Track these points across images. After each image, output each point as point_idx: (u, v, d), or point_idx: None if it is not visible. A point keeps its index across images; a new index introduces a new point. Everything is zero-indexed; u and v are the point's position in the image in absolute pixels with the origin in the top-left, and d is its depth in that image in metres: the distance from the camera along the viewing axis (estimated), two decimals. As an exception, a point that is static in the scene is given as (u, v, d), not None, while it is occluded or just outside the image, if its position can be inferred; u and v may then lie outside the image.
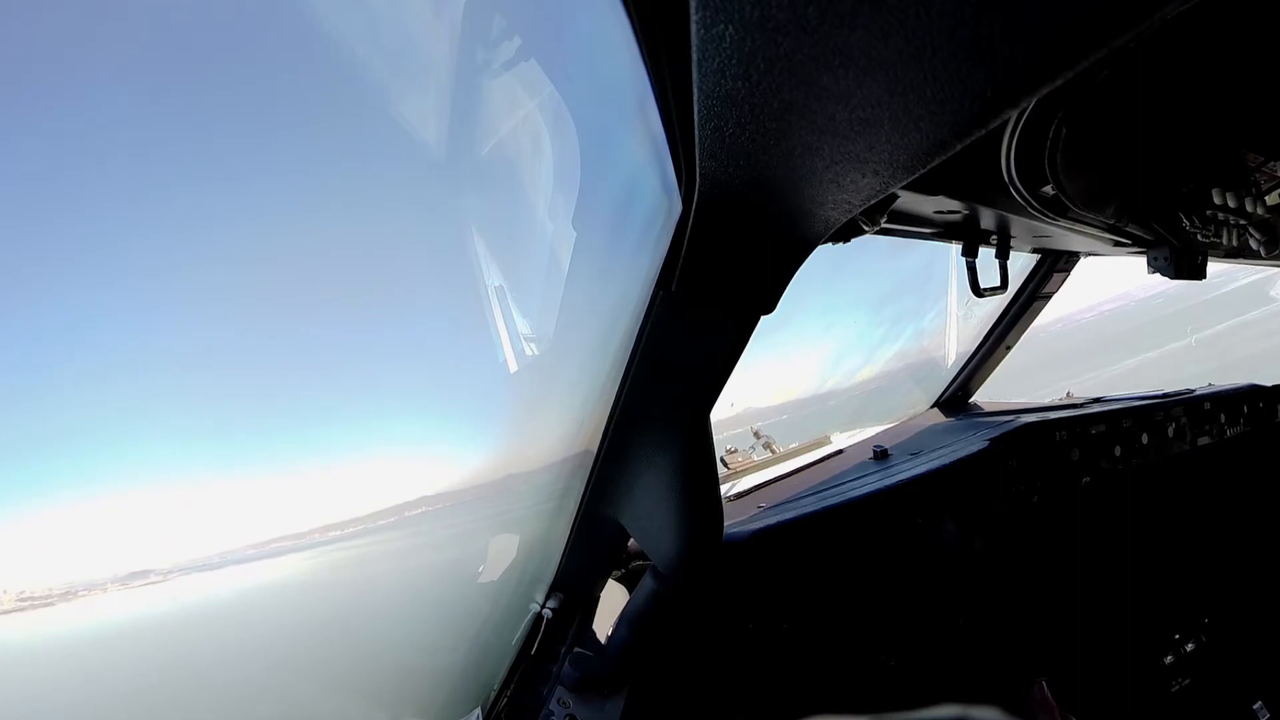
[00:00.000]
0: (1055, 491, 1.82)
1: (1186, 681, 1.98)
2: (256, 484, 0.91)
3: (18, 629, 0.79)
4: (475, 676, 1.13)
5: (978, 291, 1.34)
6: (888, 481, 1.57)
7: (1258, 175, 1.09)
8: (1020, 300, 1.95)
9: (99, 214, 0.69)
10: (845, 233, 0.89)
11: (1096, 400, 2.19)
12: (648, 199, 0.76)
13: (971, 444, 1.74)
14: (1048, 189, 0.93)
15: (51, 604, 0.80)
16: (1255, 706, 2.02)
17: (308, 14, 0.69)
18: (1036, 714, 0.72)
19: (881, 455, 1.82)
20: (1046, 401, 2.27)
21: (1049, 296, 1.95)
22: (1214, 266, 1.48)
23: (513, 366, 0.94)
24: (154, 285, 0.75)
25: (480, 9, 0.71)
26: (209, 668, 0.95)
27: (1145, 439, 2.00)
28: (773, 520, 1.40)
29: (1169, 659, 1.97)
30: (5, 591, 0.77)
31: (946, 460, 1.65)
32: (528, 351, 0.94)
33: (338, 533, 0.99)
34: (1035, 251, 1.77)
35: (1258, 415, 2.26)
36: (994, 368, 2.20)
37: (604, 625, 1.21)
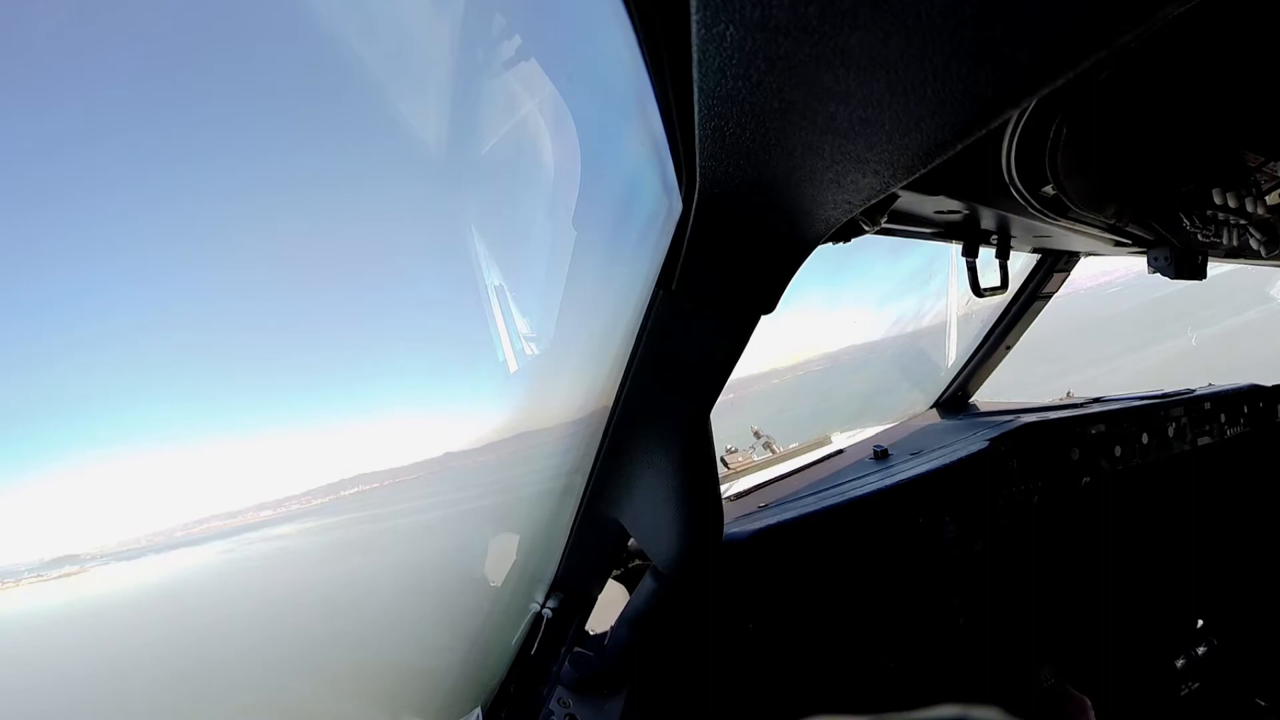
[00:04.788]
0: (1055, 491, 1.82)
1: (1196, 685, 1.98)
2: (252, 480, 0.90)
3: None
4: (475, 676, 1.13)
5: (978, 291, 1.34)
6: (888, 481, 1.57)
7: (1258, 175, 1.09)
8: (1020, 300, 1.95)
9: (104, 208, 0.69)
10: (845, 233, 0.88)
11: (1096, 400, 2.19)
12: (648, 199, 0.76)
13: (971, 444, 1.74)
14: (1048, 189, 0.93)
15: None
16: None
17: (308, 14, 0.69)
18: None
19: (881, 455, 1.82)
20: (1046, 401, 2.27)
21: (1049, 296, 1.95)
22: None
23: (513, 366, 0.94)
24: (145, 278, 0.74)
25: (480, 9, 0.71)
26: (201, 667, 0.94)
27: (1145, 439, 2.00)
28: (773, 520, 1.40)
29: (1180, 662, 1.97)
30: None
31: (946, 460, 1.65)
32: (528, 351, 0.94)
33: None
34: (1035, 251, 1.77)
35: (1258, 415, 2.26)
36: (994, 368, 2.20)
37: (604, 625, 1.21)
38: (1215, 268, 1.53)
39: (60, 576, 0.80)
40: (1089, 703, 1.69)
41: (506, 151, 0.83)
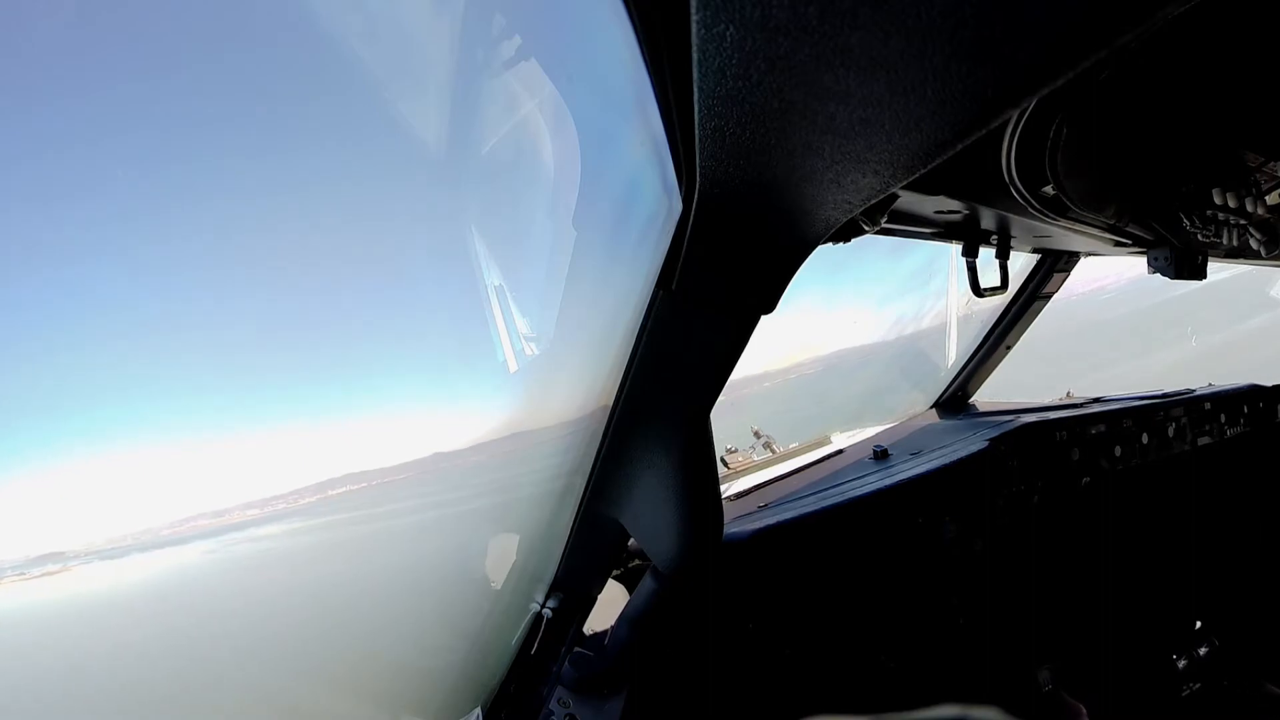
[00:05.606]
0: (1055, 491, 1.82)
1: (1197, 686, 1.98)
2: (252, 478, 0.90)
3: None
4: (475, 676, 1.13)
5: (978, 291, 1.34)
6: (888, 481, 1.57)
7: (1258, 175, 1.09)
8: (1020, 300, 1.95)
9: (100, 209, 0.69)
10: (845, 233, 0.89)
11: (1096, 400, 2.19)
12: (648, 199, 0.76)
13: (971, 444, 1.74)
14: (1048, 189, 0.93)
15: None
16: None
17: (308, 14, 0.69)
18: None
19: (881, 455, 1.82)
20: (1046, 401, 2.27)
21: (1049, 296, 1.95)
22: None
23: (513, 366, 0.94)
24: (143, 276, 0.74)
25: (480, 9, 0.71)
26: (197, 668, 0.94)
27: (1145, 439, 2.00)
28: (773, 520, 1.40)
29: (1182, 663, 1.97)
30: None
31: (946, 460, 1.65)
32: (528, 351, 0.94)
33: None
34: (1035, 251, 1.77)
35: (1258, 415, 2.26)
36: (993, 368, 2.20)
37: (604, 625, 1.21)
38: (1214, 273, 1.53)
39: (42, 575, 0.78)
40: (1084, 710, 1.69)
41: (507, 152, 0.83)
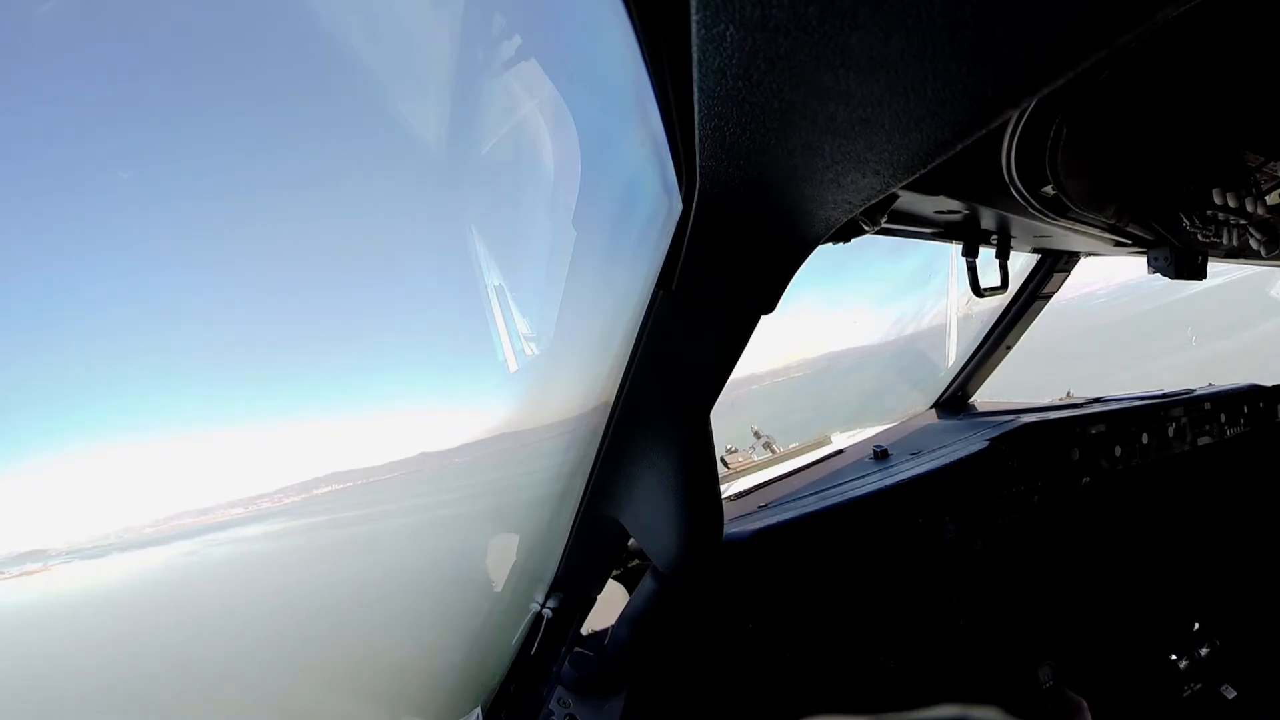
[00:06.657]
0: (1055, 491, 1.82)
1: (1198, 686, 1.98)
2: (249, 476, 0.90)
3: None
4: (475, 676, 1.13)
5: (978, 291, 1.34)
6: (888, 481, 1.57)
7: (1258, 175, 1.09)
8: (1020, 300, 1.95)
9: (93, 216, 0.69)
10: (845, 233, 0.88)
11: (1096, 400, 2.19)
12: (648, 199, 0.76)
13: (971, 444, 1.74)
14: (1048, 189, 0.93)
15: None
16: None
17: (309, 14, 0.69)
18: None
19: (881, 455, 1.82)
20: (1046, 401, 2.27)
21: (1049, 296, 1.95)
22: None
23: (513, 366, 0.94)
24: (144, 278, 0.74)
25: (480, 9, 0.71)
26: (197, 668, 0.94)
27: (1145, 439, 2.00)
28: (773, 520, 1.40)
29: (1184, 663, 1.97)
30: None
31: (946, 460, 1.65)
32: (528, 351, 0.94)
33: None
34: (1035, 251, 1.77)
35: (1258, 415, 2.26)
36: (993, 368, 2.20)
37: (604, 625, 1.21)
38: (1212, 276, 1.52)
39: (21, 575, 0.76)
40: (1085, 704, 1.69)
41: (507, 151, 0.83)
